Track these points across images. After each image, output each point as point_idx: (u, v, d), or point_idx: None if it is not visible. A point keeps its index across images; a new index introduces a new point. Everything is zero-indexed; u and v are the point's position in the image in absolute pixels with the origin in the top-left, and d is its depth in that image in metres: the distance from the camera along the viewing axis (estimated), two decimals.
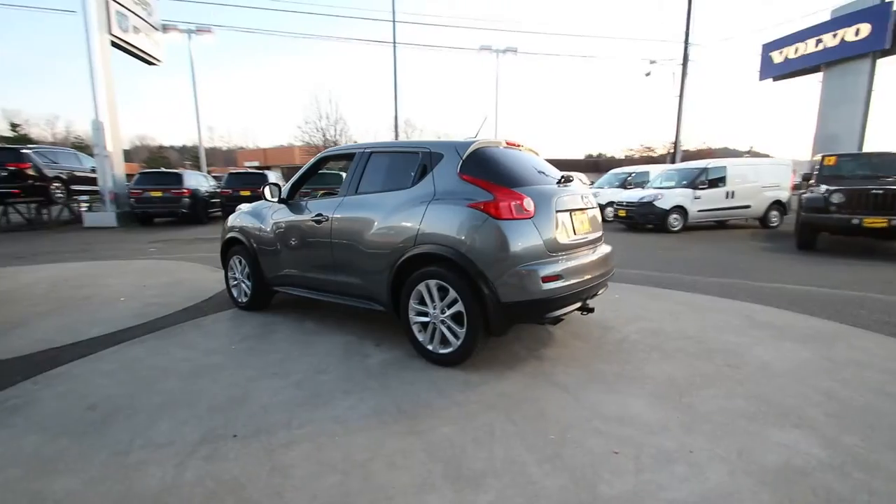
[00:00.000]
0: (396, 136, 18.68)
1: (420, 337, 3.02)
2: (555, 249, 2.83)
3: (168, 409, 2.43)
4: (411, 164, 3.24)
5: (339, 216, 3.44)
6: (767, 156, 20.16)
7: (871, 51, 15.55)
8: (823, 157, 8.59)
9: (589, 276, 3.00)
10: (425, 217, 2.92)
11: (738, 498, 1.68)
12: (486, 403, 2.43)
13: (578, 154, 54.37)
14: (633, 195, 11.61)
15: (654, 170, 14.66)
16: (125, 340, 3.54)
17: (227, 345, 3.45)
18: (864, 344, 3.32)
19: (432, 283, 2.89)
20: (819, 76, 17.62)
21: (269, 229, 4.03)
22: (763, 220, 11.51)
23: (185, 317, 4.15)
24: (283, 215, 3.95)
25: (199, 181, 14.52)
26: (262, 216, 4.17)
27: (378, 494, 1.72)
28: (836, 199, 7.24)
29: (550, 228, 2.81)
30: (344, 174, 13.27)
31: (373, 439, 2.10)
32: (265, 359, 3.15)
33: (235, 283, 4.46)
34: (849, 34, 15.94)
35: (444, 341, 2.92)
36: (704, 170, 11.05)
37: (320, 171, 4.21)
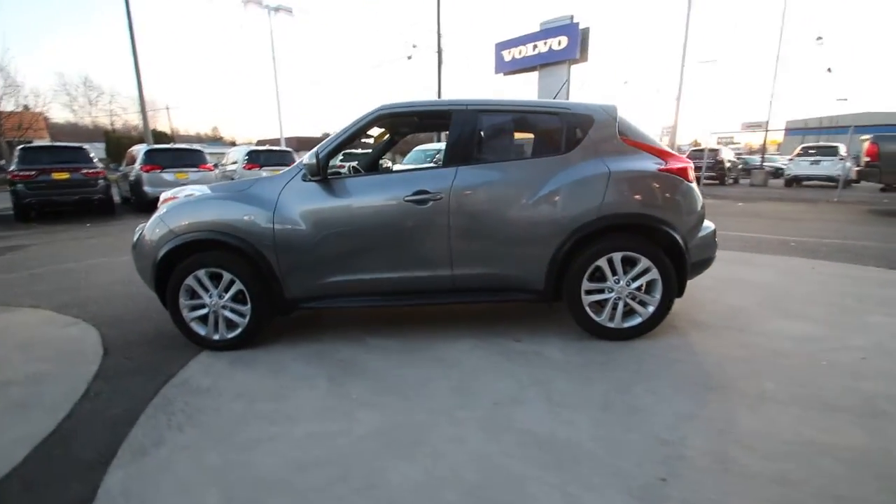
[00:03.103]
0: (142, 101, 14.01)
1: (597, 317, 2.78)
2: None
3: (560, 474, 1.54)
4: (551, 126, 2.83)
5: (463, 192, 2.68)
6: None
7: (567, 58, 21.04)
8: None
9: None
10: (610, 185, 2.65)
11: None
12: (756, 362, 2.50)
13: (315, 132, 53.36)
14: None
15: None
16: (113, 456, 1.87)
17: (341, 399, 2.28)
18: (770, 261, 4.91)
19: (617, 255, 2.68)
20: (536, 74, 22.69)
21: (300, 221, 2.72)
22: None
23: (129, 386, 2.43)
24: (324, 199, 2.73)
25: None
26: (268, 202, 2.75)
27: None
28: None
29: None
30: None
31: (780, 422, 1.94)
32: (451, 393, 2.27)
33: (202, 312, 2.84)
34: (554, 44, 21.06)
35: (627, 314, 2.79)
36: None
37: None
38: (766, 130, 23.93)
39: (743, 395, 2.14)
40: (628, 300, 2.75)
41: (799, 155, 15.87)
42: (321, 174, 2.69)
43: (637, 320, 2.78)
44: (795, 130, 40.83)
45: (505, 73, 24.17)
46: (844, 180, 12.43)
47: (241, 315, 2.83)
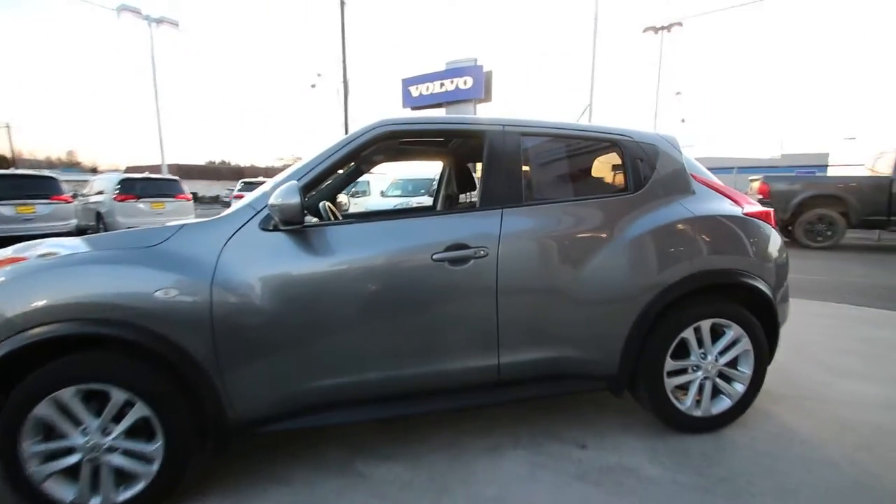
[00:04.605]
0: None
1: (680, 405, 2.10)
2: None
3: None
4: (612, 157, 2.17)
5: (515, 244, 1.86)
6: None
7: (473, 98, 21.65)
8: None
9: None
10: (697, 233, 2.04)
11: None
12: (878, 449, 2.01)
13: (199, 159, 48.72)
14: None
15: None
16: None
17: None
18: None
19: (705, 323, 2.06)
20: (444, 111, 22.97)
21: (263, 294, 1.66)
22: None
23: None
24: (303, 258, 1.72)
25: None
26: (201, 265, 1.64)
27: None
28: None
29: None
30: None
31: None
32: None
33: (67, 462, 1.60)
34: (460, 83, 21.57)
35: (712, 398, 2.16)
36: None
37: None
38: None
39: None
40: (717, 380, 2.13)
41: None
42: (301, 220, 1.68)
43: (726, 404, 2.16)
44: None
45: (413, 108, 24.12)
46: None
47: (146, 460, 1.64)
